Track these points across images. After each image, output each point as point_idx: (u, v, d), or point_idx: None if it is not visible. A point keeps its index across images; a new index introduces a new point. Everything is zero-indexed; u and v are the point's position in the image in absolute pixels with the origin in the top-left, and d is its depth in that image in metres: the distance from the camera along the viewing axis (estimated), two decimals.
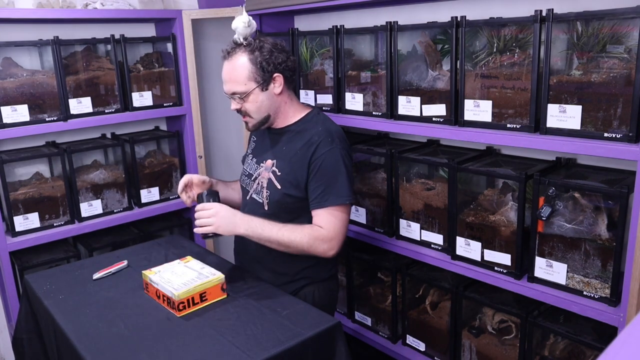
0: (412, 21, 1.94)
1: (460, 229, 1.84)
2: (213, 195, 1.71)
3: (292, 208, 1.74)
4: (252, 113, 1.72)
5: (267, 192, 1.75)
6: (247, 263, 1.89)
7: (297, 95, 1.84)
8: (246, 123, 1.77)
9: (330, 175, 1.67)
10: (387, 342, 2.24)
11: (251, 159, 1.88)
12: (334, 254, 1.70)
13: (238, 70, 1.67)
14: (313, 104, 2.25)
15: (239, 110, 1.74)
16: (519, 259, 1.70)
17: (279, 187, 1.73)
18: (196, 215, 1.67)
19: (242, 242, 1.87)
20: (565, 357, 1.70)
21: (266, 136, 1.84)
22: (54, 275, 1.93)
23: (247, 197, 1.84)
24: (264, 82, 1.68)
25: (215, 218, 1.63)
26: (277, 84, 1.70)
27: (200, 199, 1.71)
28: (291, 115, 1.78)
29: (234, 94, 1.70)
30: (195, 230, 1.68)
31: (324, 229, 1.67)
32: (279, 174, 1.74)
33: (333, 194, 1.66)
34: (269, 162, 1.78)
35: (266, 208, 1.76)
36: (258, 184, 1.79)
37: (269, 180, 1.75)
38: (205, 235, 1.68)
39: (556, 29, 1.51)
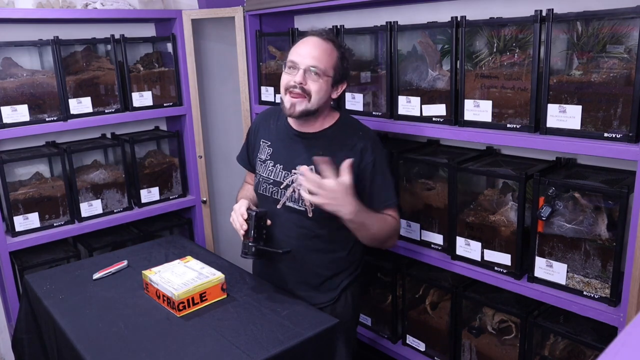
0: (412, 21, 1.94)
1: (460, 229, 1.84)
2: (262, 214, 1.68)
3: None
4: (313, 94, 1.64)
5: None
6: (278, 278, 1.82)
7: None
8: (294, 105, 1.65)
9: (384, 178, 1.72)
10: (387, 342, 2.23)
11: (273, 166, 1.79)
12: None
13: (329, 54, 1.66)
14: None
15: (298, 87, 1.63)
16: (519, 259, 1.70)
17: None
18: (307, 185, 1.54)
19: (270, 260, 1.81)
20: (565, 357, 1.70)
21: (294, 142, 1.76)
22: (54, 275, 1.93)
23: (278, 206, 1.75)
24: (336, 81, 1.70)
25: (329, 193, 1.52)
26: (340, 89, 1.74)
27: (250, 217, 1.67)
28: (327, 120, 1.76)
29: (313, 67, 1.63)
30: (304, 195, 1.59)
31: (398, 224, 1.76)
32: None
33: (392, 195, 1.73)
34: (305, 168, 1.65)
35: (310, 215, 1.70)
36: (294, 191, 1.72)
37: None
38: (250, 251, 1.65)
39: (556, 29, 1.51)
